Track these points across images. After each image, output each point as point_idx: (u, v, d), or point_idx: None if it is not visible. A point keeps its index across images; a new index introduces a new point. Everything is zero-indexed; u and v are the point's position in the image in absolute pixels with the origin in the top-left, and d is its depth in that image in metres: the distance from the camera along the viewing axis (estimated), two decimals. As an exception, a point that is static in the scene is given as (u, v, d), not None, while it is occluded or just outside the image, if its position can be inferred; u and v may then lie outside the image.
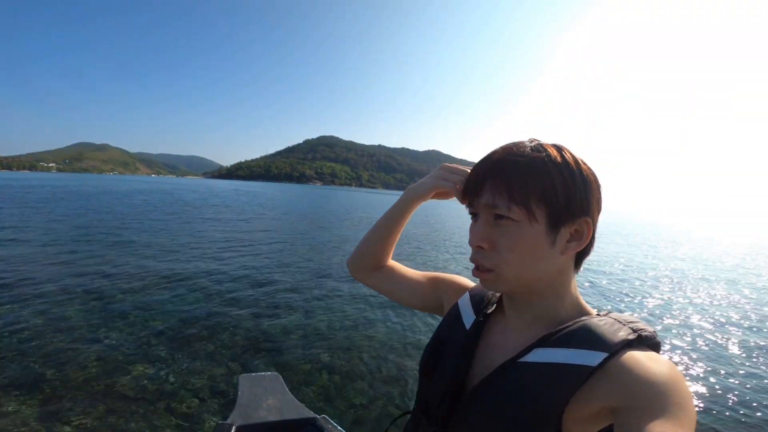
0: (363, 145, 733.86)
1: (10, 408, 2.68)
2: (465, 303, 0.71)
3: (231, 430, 1.27)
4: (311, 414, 1.41)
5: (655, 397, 0.42)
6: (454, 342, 0.65)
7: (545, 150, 0.53)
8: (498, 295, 0.68)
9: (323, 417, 1.40)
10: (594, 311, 0.58)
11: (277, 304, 5.35)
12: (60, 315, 4.44)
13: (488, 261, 0.55)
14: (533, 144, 0.54)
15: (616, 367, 0.47)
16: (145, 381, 3.19)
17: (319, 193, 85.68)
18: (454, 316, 0.71)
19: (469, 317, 0.67)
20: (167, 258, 7.86)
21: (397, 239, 0.81)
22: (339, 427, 1.38)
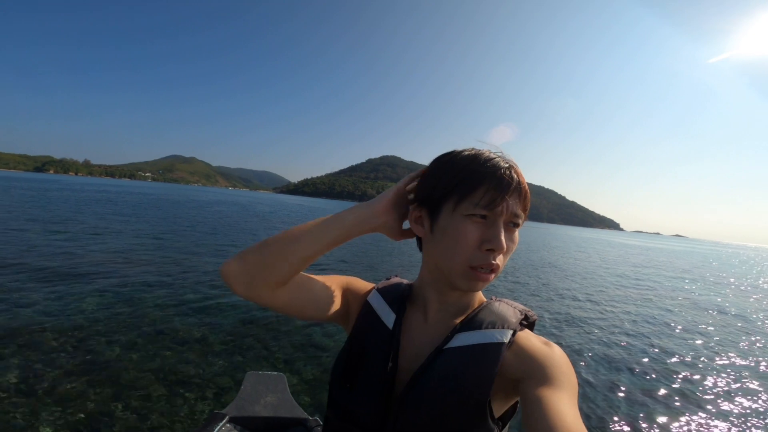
0: (424, 166, 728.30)
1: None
2: (378, 302, 0.70)
3: (224, 419, 1.31)
4: (304, 415, 1.45)
5: (547, 369, 0.53)
6: (378, 343, 0.65)
7: None
8: (407, 290, 0.72)
9: (315, 419, 1.44)
10: (484, 298, 0.69)
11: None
12: (120, 301, 5.26)
13: (500, 263, 0.59)
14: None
15: (517, 343, 0.58)
16: (165, 368, 3.50)
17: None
18: (370, 316, 0.69)
19: (388, 316, 0.67)
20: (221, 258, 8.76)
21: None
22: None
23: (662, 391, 4.22)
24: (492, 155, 0.62)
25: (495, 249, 0.57)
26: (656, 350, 5.74)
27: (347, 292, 0.75)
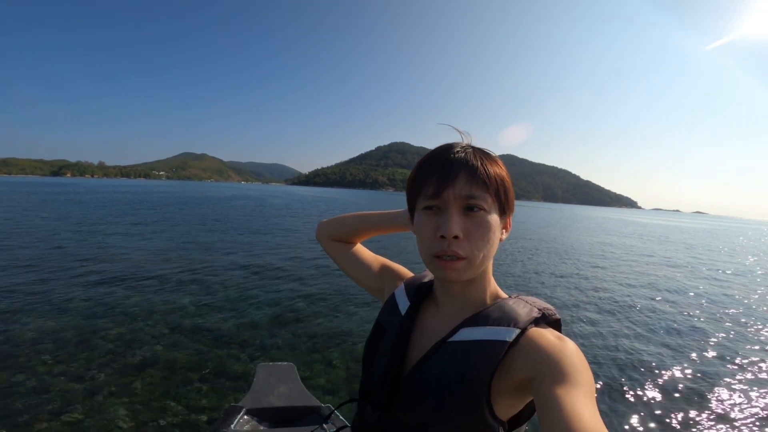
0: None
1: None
2: (400, 292, 0.76)
3: (241, 411, 1.36)
4: (317, 403, 1.50)
5: (560, 366, 0.50)
6: (391, 329, 0.71)
7: (491, 152, 0.63)
8: (429, 283, 0.75)
9: (327, 406, 1.49)
10: (505, 295, 0.67)
11: (314, 305, 5.58)
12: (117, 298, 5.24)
13: (463, 250, 0.57)
14: (475, 147, 0.63)
15: (526, 341, 0.56)
16: (177, 361, 3.57)
17: (390, 198, 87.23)
18: (391, 304, 0.76)
19: (404, 304, 0.73)
20: (237, 254, 8.80)
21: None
22: (341, 417, 1.45)
23: (690, 391, 3.94)
24: (447, 145, 0.62)
25: (444, 235, 0.57)
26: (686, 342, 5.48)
27: (385, 272, 0.87)
